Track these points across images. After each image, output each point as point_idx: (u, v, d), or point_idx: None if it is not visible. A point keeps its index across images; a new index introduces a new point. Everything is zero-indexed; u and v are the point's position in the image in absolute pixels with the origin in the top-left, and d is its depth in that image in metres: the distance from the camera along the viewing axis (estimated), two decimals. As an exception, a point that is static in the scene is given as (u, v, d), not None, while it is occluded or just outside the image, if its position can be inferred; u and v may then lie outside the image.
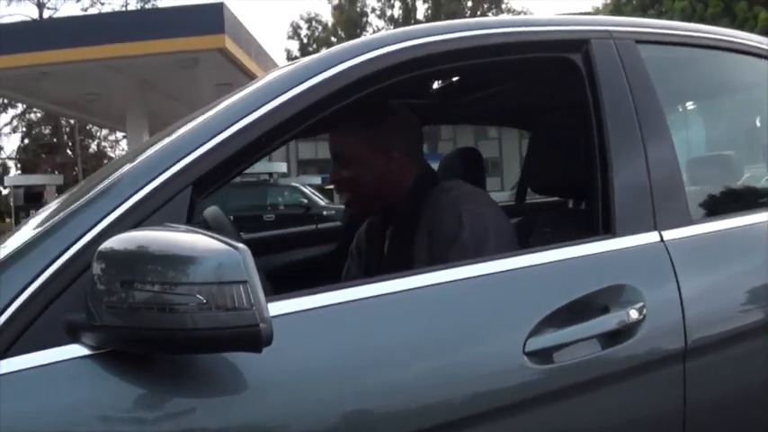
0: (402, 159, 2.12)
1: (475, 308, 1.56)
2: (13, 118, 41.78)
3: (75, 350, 1.25)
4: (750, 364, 1.81)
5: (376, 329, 1.47)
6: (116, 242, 1.23)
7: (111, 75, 15.08)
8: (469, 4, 48.79)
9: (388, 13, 49.04)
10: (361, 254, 2.38)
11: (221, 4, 13.97)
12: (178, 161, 1.42)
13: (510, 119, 3.28)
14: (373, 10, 49.53)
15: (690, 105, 2.87)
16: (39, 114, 39.83)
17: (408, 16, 47.55)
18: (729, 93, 2.72)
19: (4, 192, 33.77)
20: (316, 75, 1.60)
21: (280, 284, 1.60)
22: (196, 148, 1.44)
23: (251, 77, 12.48)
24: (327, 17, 50.43)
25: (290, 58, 46.20)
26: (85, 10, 39.02)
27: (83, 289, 1.24)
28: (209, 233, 1.22)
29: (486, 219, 1.96)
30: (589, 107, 1.84)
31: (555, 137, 2.25)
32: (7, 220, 29.03)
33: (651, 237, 1.75)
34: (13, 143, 52.88)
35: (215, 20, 13.61)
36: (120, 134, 36.94)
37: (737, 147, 2.64)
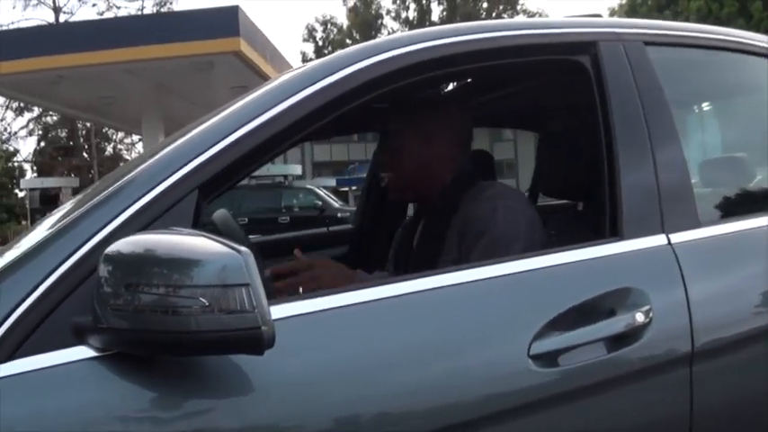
0: (444, 153, 2.15)
1: (480, 311, 1.56)
2: (29, 121, 42.05)
3: (82, 352, 1.26)
4: (758, 369, 1.79)
5: (381, 332, 1.48)
6: (122, 245, 1.24)
7: (127, 78, 15.12)
8: (485, 5, 48.74)
9: (403, 15, 49.14)
10: (395, 254, 2.41)
11: (236, 7, 13.99)
12: (184, 165, 1.43)
13: (519, 121, 3.29)
14: (388, 12, 49.67)
15: (699, 107, 2.86)
16: (55, 117, 40.04)
17: (423, 18, 47.61)
18: (738, 94, 2.71)
19: (21, 194, 33.97)
20: (322, 78, 1.61)
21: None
22: (202, 153, 1.45)
23: (266, 80, 12.52)
24: (342, 19, 50.67)
25: (306, 60, 46.27)
26: (101, 14, 39.23)
27: (89, 291, 1.25)
28: (213, 236, 1.23)
29: (519, 218, 1.97)
30: (597, 109, 1.84)
31: (564, 139, 2.25)
32: (23, 222, 29.20)
33: (659, 240, 1.75)
34: (29, 146, 53.32)
35: (230, 23, 13.63)
36: (135, 137, 37.05)
37: (749, 149, 2.62)
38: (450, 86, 2.78)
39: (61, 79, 14.78)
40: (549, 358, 1.52)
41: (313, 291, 1.74)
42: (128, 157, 42.51)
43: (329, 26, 50.53)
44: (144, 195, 1.39)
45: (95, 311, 1.22)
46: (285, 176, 20.49)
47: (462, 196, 2.08)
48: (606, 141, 1.81)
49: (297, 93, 1.57)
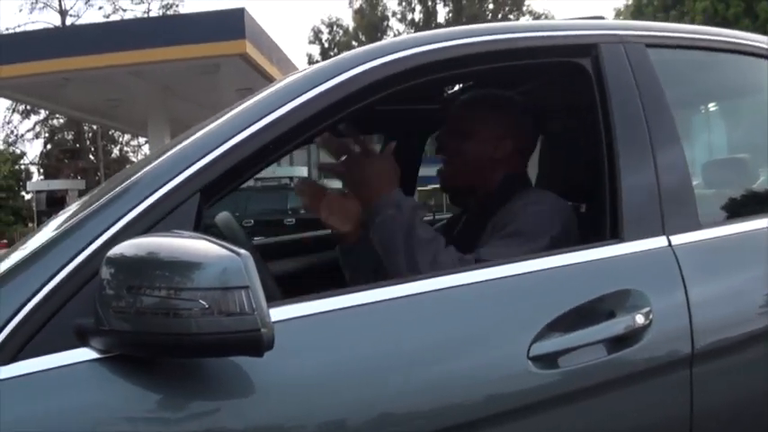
0: (508, 153, 2.17)
1: (480, 312, 1.57)
2: (36, 124, 42.15)
3: (85, 354, 1.27)
4: (758, 370, 1.80)
5: (383, 334, 1.49)
6: (124, 248, 1.25)
7: (133, 81, 15.16)
8: (491, 6, 48.71)
9: (409, 16, 49.11)
10: None
11: (242, 9, 14.02)
12: (186, 169, 1.44)
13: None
14: (394, 14, 49.65)
15: (700, 109, 2.86)
16: (61, 120, 40.13)
17: (429, 20, 47.59)
18: (740, 96, 2.71)
19: (27, 197, 34.05)
20: (324, 81, 1.61)
21: (294, 288, 1.62)
22: (203, 156, 1.46)
23: (272, 82, 12.53)
24: (348, 21, 50.63)
25: (312, 62, 46.31)
26: (107, 17, 39.35)
27: (92, 293, 1.26)
28: (213, 239, 1.24)
29: (550, 219, 1.96)
30: (598, 111, 1.84)
31: (566, 141, 2.26)
32: (30, 224, 29.28)
33: (659, 241, 1.75)
34: (35, 148, 53.39)
35: (236, 25, 13.66)
36: (142, 139, 37.18)
37: (750, 150, 2.63)
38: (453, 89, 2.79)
39: (67, 82, 14.84)
40: (548, 360, 1.52)
41: (353, 181, 1.95)
42: (134, 160, 42.63)
43: (335, 28, 50.57)
44: (146, 199, 1.40)
45: (98, 314, 1.23)
46: (291, 178, 20.51)
47: (509, 199, 2.09)
48: (607, 143, 1.81)
49: (297, 96, 1.58)
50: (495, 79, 2.34)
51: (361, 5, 48.88)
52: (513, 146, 2.17)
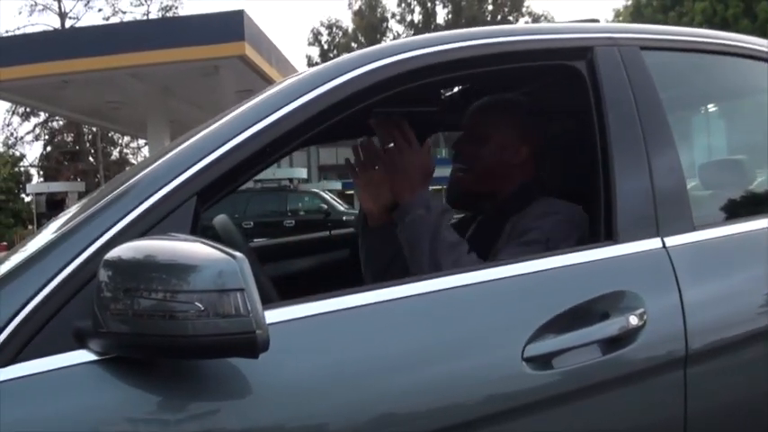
0: (526, 158, 2.18)
1: (475, 313, 1.58)
2: (35, 126, 42.17)
3: (83, 356, 1.28)
4: (752, 371, 1.81)
5: (378, 335, 1.50)
6: (122, 251, 1.26)
7: (133, 83, 15.16)
8: (490, 8, 48.71)
9: (408, 18, 49.10)
10: None
11: (241, 11, 14.01)
12: (183, 172, 1.46)
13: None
14: (393, 15, 49.63)
15: (695, 111, 2.87)
16: (61, 122, 40.11)
17: (428, 21, 47.60)
18: (735, 98, 2.72)
19: (27, 199, 34.03)
20: (321, 85, 1.63)
21: (292, 290, 1.63)
22: (200, 160, 1.47)
23: (271, 84, 12.52)
24: (348, 23, 50.61)
25: (311, 64, 46.32)
26: (107, 19, 39.38)
27: (90, 296, 1.27)
28: (210, 242, 1.25)
29: (567, 229, 1.97)
30: (593, 114, 1.85)
31: (561, 143, 2.27)
32: (29, 227, 29.25)
33: (653, 243, 1.76)
34: (35, 151, 53.35)
35: (235, 27, 13.65)
36: (141, 141, 37.17)
37: (745, 152, 2.64)
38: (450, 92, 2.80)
39: (67, 84, 14.82)
40: (543, 361, 1.53)
41: (393, 168, 1.99)
42: (134, 162, 42.62)
43: (334, 30, 50.55)
44: (143, 202, 1.41)
45: (95, 316, 1.24)
46: (291, 180, 20.54)
47: (527, 205, 2.10)
48: (602, 145, 1.82)
49: (294, 100, 1.59)
50: (491, 82, 2.35)
51: (360, 7, 48.89)
52: (528, 151, 2.19)
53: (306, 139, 1.66)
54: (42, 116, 39.49)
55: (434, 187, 2.27)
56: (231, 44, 13.70)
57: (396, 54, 1.72)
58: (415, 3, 48.98)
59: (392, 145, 2.02)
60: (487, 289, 1.60)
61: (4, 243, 23.34)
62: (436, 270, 1.81)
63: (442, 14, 48.73)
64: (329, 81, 1.63)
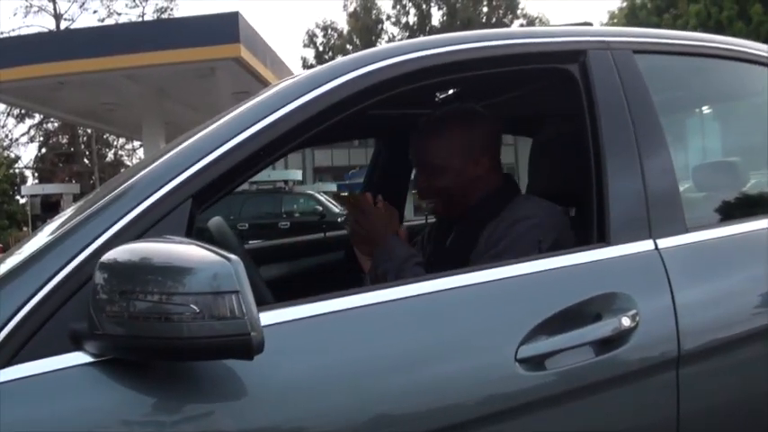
0: (488, 163, 2.18)
1: (468, 315, 1.59)
2: (30, 128, 42.08)
3: (79, 358, 1.29)
4: (744, 372, 1.82)
5: (372, 337, 1.51)
6: (117, 254, 1.27)
7: (128, 84, 15.15)
8: (485, 10, 48.74)
9: (403, 20, 49.11)
10: (424, 247, 2.42)
11: (236, 13, 14.01)
12: (178, 175, 1.46)
13: (512, 127, 3.30)
14: (388, 17, 49.65)
15: (688, 114, 2.88)
16: (56, 124, 40.05)
17: (423, 23, 47.62)
18: (728, 101, 2.73)
19: (22, 201, 33.98)
20: (315, 88, 1.63)
21: (287, 292, 1.64)
22: (195, 162, 1.48)
23: (266, 86, 12.51)
24: (343, 25, 50.59)
25: (306, 65, 46.31)
26: (102, 21, 39.35)
27: (86, 298, 1.27)
28: (205, 245, 1.26)
29: (539, 236, 1.97)
30: (586, 117, 1.86)
31: (555, 146, 2.28)
32: (24, 228, 29.21)
33: (646, 245, 1.77)
34: (30, 152, 53.21)
35: (230, 29, 13.64)
36: (137, 143, 37.07)
37: (740, 154, 2.65)
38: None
39: (62, 86, 14.81)
40: (536, 362, 1.55)
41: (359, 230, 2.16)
42: (129, 164, 42.56)
43: (330, 31, 50.49)
44: (139, 205, 1.42)
45: (91, 318, 1.25)
46: (286, 182, 20.54)
47: (500, 208, 2.11)
48: (594, 148, 1.83)
49: (289, 102, 1.60)
50: (485, 85, 2.36)
51: (355, 9, 48.88)
52: (490, 157, 2.19)
53: (301, 141, 1.67)
54: (37, 118, 39.40)
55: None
56: (226, 46, 13.70)
57: (391, 57, 1.73)
58: (410, 5, 48.99)
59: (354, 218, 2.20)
60: (481, 291, 1.61)
61: (0, 245, 23.31)
62: None
63: (437, 16, 48.79)
64: (325, 83, 1.64)
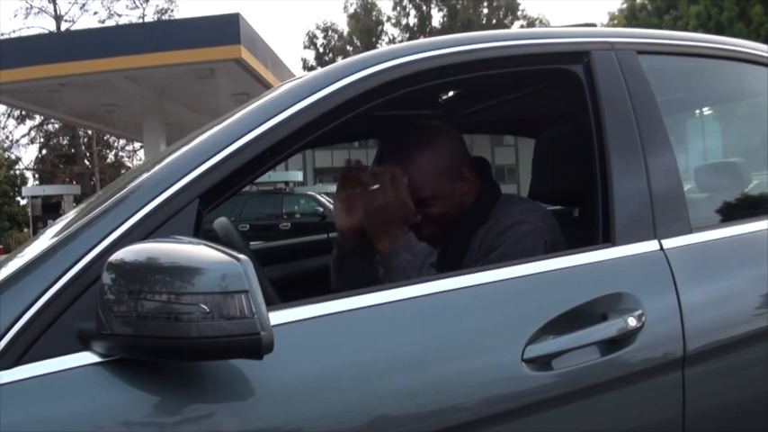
0: (469, 172, 2.16)
1: (475, 315, 1.59)
2: (30, 129, 42.03)
3: (86, 358, 1.29)
4: (750, 372, 1.82)
5: (378, 337, 1.51)
6: (125, 254, 1.27)
7: (129, 86, 15.14)
8: (485, 11, 48.76)
9: (404, 21, 49.14)
10: None
11: (237, 14, 14.00)
12: (185, 175, 1.47)
13: (516, 128, 3.31)
14: (389, 19, 49.73)
15: (691, 115, 2.89)
16: (56, 125, 40.03)
17: (423, 25, 47.66)
18: (731, 101, 2.73)
19: (22, 202, 33.99)
20: (321, 89, 1.64)
21: (290, 293, 1.64)
22: (202, 163, 1.49)
23: (267, 87, 12.52)
24: (343, 26, 50.69)
25: (306, 67, 46.35)
26: (102, 22, 39.36)
27: (94, 298, 1.28)
28: (213, 245, 1.26)
29: (532, 242, 1.96)
30: (590, 117, 1.87)
31: (559, 146, 2.28)
32: (25, 230, 29.22)
33: (651, 245, 1.77)
34: (31, 154, 53.32)
35: (231, 31, 13.63)
36: (137, 144, 37.06)
37: (742, 154, 2.65)
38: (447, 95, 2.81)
39: (63, 87, 14.80)
40: (542, 362, 1.55)
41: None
42: (129, 165, 42.59)
43: (330, 33, 50.55)
44: (146, 205, 1.42)
45: (99, 318, 1.25)
46: (286, 183, 20.57)
47: (486, 215, 2.10)
48: (599, 148, 1.83)
49: (294, 104, 1.60)
50: (490, 86, 2.36)
51: (356, 10, 48.94)
52: (467, 166, 2.16)
53: (308, 141, 1.67)
54: (38, 119, 39.41)
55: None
56: (227, 47, 13.69)
57: (393, 59, 1.73)
58: (411, 6, 49.04)
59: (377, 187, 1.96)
60: (487, 291, 1.61)
61: (1, 246, 23.31)
62: None
63: (437, 18, 48.84)
64: (330, 85, 1.65)
